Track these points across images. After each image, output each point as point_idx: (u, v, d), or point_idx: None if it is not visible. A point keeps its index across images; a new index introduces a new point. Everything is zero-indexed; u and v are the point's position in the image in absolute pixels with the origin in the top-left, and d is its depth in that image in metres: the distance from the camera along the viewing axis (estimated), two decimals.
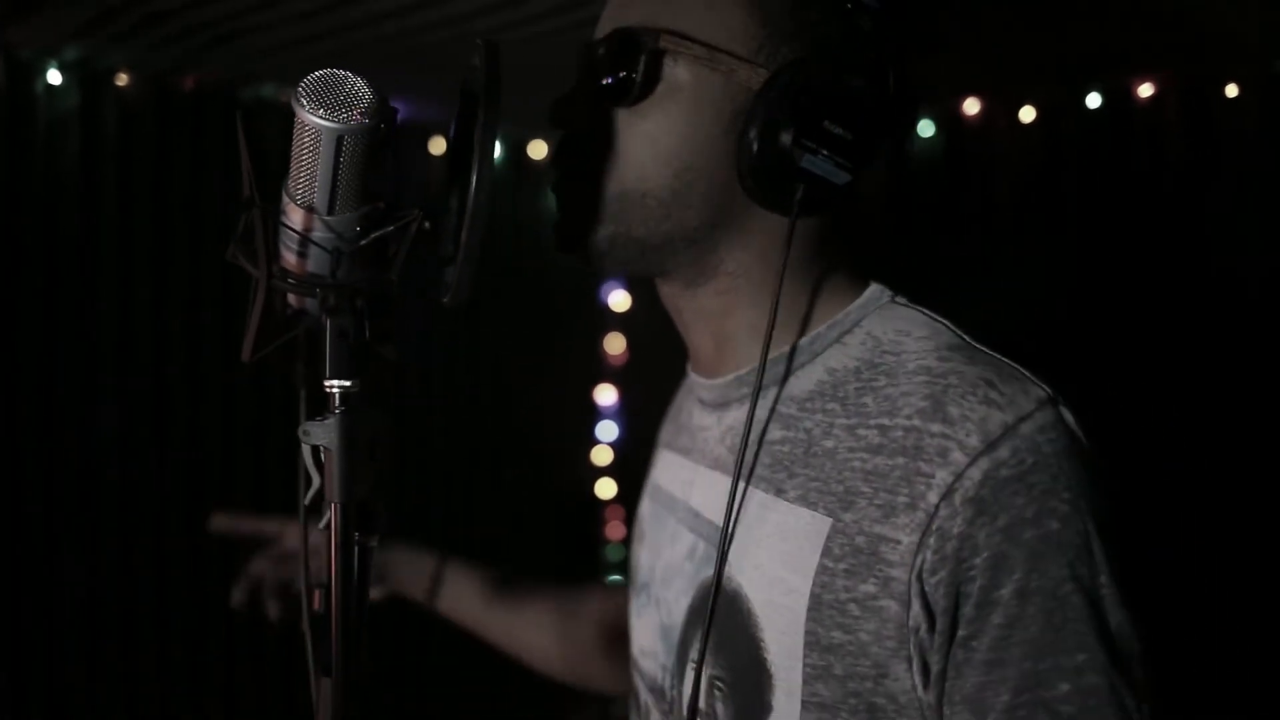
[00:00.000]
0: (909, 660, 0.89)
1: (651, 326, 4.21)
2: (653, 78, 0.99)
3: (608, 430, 4.26)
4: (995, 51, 2.96)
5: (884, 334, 1.00)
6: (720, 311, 1.06)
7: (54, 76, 3.03)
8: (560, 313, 4.03)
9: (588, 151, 1.03)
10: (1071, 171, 3.48)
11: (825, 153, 0.95)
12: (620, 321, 4.27)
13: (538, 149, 4.00)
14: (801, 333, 1.04)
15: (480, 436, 3.98)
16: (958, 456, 0.87)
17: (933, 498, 0.87)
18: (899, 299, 1.05)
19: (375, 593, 1.46)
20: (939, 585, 0.86)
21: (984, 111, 3.53)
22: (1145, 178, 3.38)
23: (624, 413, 4.26)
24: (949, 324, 1.00)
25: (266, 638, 2.79)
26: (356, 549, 0.91)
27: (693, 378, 1.17)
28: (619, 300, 4.25)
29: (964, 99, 3.50)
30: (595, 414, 4.26)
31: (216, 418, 3.39)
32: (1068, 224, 3.47)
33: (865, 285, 1.06)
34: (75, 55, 2.98)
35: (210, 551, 3.20)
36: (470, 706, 3.58)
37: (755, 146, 0.95)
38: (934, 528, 0.86)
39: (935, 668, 0.88)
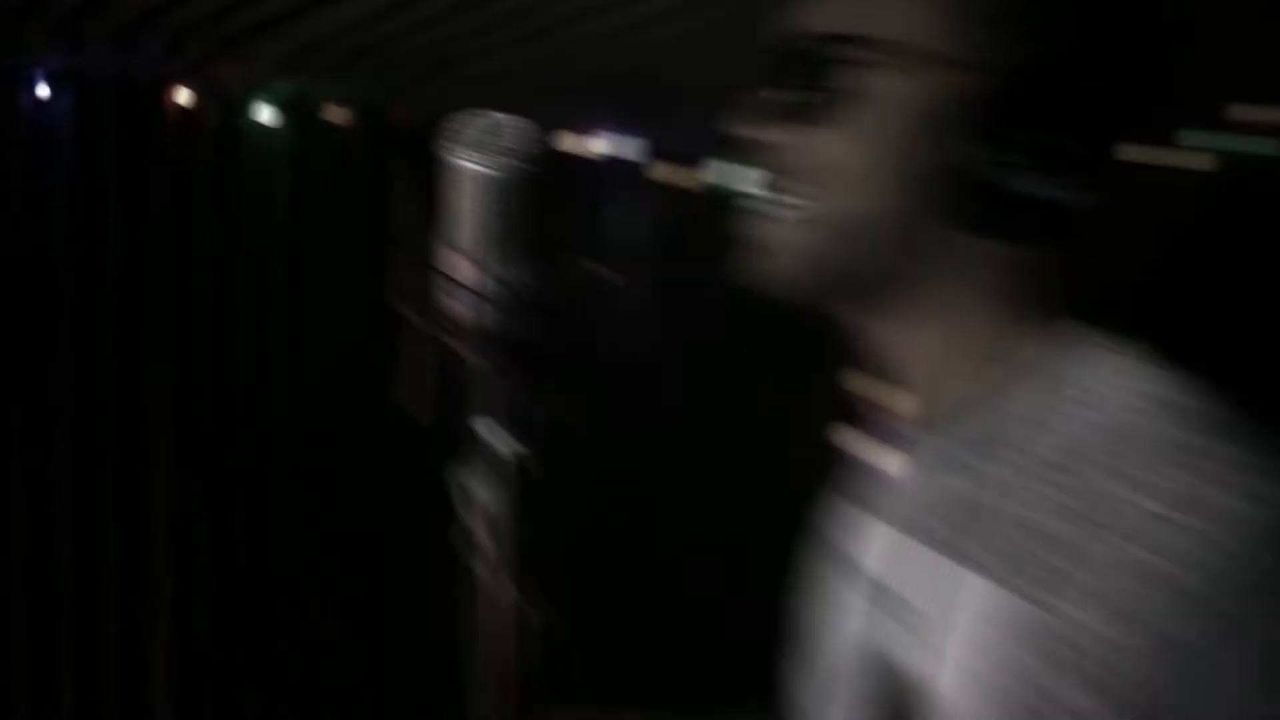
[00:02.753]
0: None
1: None
2: (840, 89, 0.96)
3: None
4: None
5: (1081, 378, 0.95)
6: (921, 347, 1.03)
7: (265, 113, 3.29)
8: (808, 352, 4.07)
9: (770, 172, 1.01)
10: None
11: (1035, 169, 0.91)
12: None
13: None
14: (1003, 373, 0.99)
15: (720, 495, 4.07)
16: (1179, 542, 0.81)
17: (1131, 585, 0.82)
18: (1104, 339, 0.98)
19: None
20: (1127, 688, 0.81)
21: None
22: None
23: None
24: (1159, 370, 0.93)
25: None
26: (532, 621, 0.95)
27: (902, 425, 1.12)
28: None
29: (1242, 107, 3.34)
30: (841, 461, 4.26)
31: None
32: None
33: (1073, 322, 1.00)
34: (286, 91, 3.22)
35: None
36: None
37: (961, 164, 0.92)
38: (1127, 617, 0.82)
39: None
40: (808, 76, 0.97)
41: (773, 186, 1.02)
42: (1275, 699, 0.78)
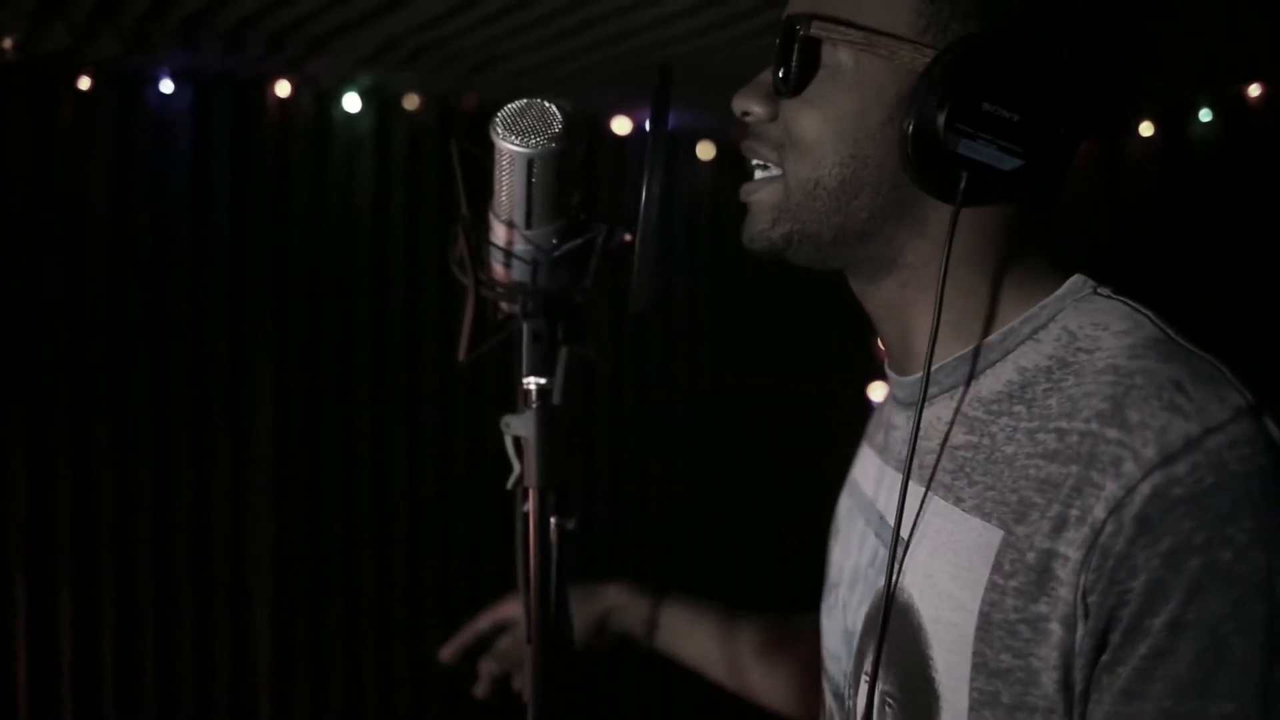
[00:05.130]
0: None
1: None
2: (809, 66, 0.93)
3: None
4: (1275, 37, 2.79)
5: (1080, 328, 0.90)
6: (904, 305, 0.99)
7: (352, 101, 3.36)
8: (834, 312, 4.07)
9: (760, 145, 0.99)
10: None
11: (986, 137, 0.86)
12: None
13: None
14: (991, 329, 0.95)
15: (752, 432, 4.07)
16: (1130, 468, 0.78)
17: (1100, 512, 0.78)
18: (1102, 290, 0.93)
19: (601, 640, 1.45)
20: (1094, 605, 0.79)
21: (1266, 95, 3.25)
22: None
23: None
24: (1153, 316, 0.88)
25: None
26: (554, 529, 0.96)
27: (888, 373, 1.08)
28: None
29: (1246, 85, 3.23)
30: (869, 409, 4.26)
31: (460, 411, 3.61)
32: None
33: (1065, 277, 0.95)
34: (369, 82, 3.29)
35: (429, 526, 3.54)
36: None
37: (912, 133, 0.87)
38: (1098, 544, 0.78)
39: (1079, 687, 0.81)
40: (784, 55, 0.95)
41: (750, 154, 1.01)
42: (1181, 595, 0.76)
